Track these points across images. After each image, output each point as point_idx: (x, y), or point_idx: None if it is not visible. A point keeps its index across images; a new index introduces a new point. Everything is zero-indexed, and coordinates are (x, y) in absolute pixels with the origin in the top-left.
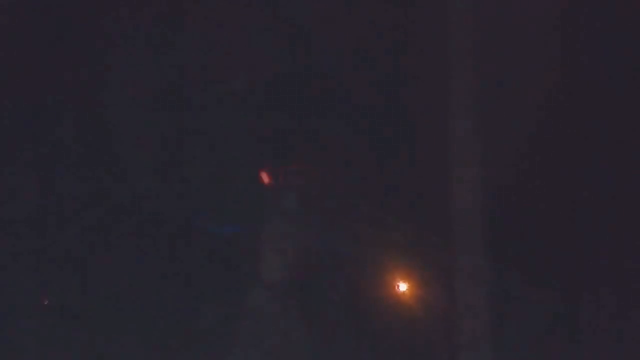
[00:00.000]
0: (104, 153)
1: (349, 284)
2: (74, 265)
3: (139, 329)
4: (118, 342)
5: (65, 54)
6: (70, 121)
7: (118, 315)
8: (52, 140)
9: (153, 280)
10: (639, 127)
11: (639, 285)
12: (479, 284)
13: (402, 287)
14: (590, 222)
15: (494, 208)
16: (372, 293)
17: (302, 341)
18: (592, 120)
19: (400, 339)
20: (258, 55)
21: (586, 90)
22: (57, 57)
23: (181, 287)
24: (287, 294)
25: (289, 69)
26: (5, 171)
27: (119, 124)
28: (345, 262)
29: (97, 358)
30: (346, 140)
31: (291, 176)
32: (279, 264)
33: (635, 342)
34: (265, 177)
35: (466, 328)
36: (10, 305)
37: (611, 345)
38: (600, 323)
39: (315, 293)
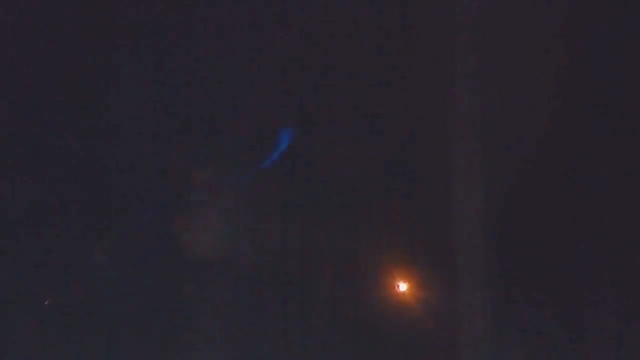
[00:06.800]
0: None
1: (349, 283)
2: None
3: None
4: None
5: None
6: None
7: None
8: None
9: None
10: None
11: (639, 287)
12: (479, 284)
13: (402, 287)
14: (590, 223)
15: (495, 208)
16: (372, 293)
17: (302, 342)
18: (593, 122)
19: (400, 339)
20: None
21: (587, 91)
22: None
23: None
24: (286, 294)
25: (287, 66)
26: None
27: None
28: (345, 262)
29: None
30: (347, 139)
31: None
32: (277, 262)
33: (636, 344)
34: None
35: (466, 328)
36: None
37: (611, 346)
38: (600, 323)
39: (315, 293)
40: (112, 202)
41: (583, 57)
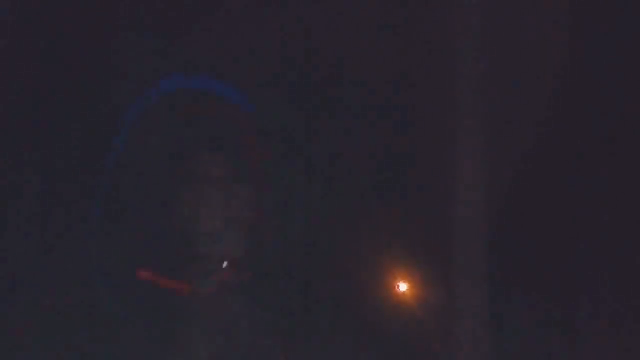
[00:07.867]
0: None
1: (349, 283)
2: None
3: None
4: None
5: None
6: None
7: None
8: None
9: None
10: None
11: (639, 287)
12: (479, 283)
13: (402, 287)
14: (590, 224)
15: (495, 208)
16: (372, 293)
17: (302, 342)
18: (593, 122)
19: (400, 339)
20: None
21: (587, 91)
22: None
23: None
24: (286, 294)
25: (291, 67)
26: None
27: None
28: (345, 262)
29: None
30: (347, 139)
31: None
32: (277, 262)
33: (635, 344)
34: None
35: (466, 328)
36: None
37: (611, 346)
38: (600, 323)
39: (316, 293)
40: (112, 201)
41: (583, 58)
